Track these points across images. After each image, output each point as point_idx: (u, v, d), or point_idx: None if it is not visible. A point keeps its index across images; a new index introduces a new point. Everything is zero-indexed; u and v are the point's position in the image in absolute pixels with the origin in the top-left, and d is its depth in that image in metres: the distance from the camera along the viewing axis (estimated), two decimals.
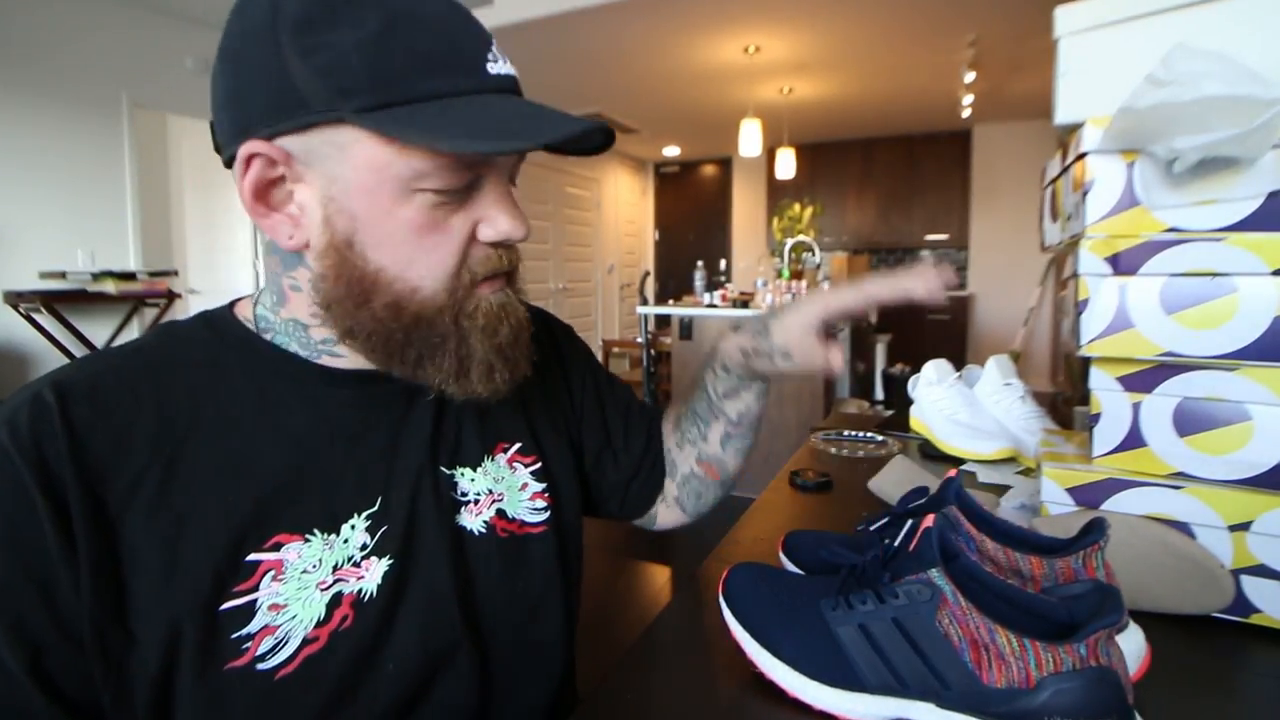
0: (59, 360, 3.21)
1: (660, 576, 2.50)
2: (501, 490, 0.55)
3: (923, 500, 0.58)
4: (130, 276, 3.42)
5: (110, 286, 3.30)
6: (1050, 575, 0.46)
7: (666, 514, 0.71)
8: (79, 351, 3.21)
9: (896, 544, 0.47)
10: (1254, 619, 0.54)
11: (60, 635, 0.38)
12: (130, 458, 0.41)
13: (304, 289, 0.46)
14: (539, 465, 0.58)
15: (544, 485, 0.58)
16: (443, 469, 0.52)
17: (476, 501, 0.53)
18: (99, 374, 0.43)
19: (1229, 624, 0.55)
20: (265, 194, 0.43)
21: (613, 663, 0.52)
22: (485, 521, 0.53)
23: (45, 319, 3.19)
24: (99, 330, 3.40)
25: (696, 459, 0.68)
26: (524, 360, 0.51)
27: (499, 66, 0.44)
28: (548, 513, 0.57)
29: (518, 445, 0.58)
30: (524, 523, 0.56)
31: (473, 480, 0.54)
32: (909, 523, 0.53)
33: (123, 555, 0.39)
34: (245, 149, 0.41)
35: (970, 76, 4.26)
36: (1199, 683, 0.50)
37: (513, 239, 0.47)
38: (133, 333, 3.56)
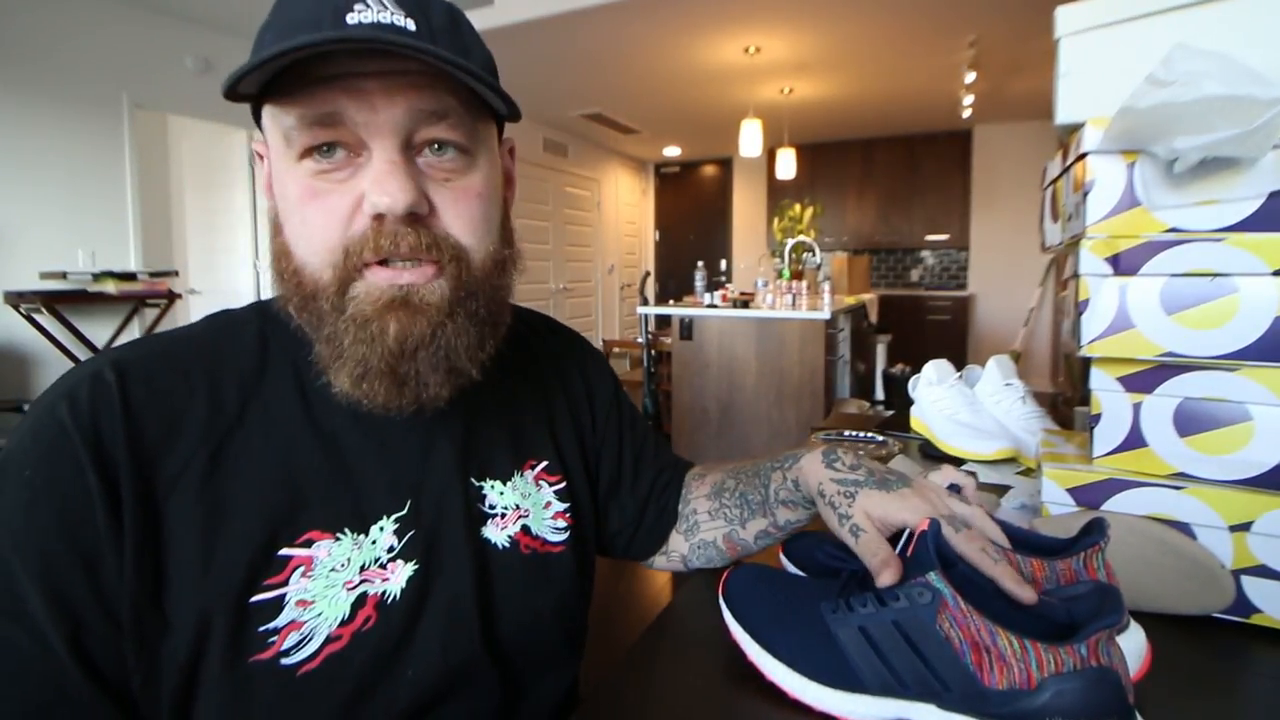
0: (60, 361, 3.21)
1: (660, 576, 2.50)
2: (528, 507, 0.55)
3: None
4: (131, 277, 3.42)
5: (111, 287, 3.30)
6: (1051, 577, 0.46)
7: (667, 564, 0.69)
8: (80, 352, 3.21)
9: (897, 548, 0.47)
10: (1254, 619, 0.54)
11: (101, 613, 0.38)
12: (180, 443, 0.41)
13: None
14: (563, 485, 0.58)
15: (566, 505, 0.58)
16: (472, 480, 0.52)
17: (503, 515, 0.53)
18: (157, 356, 0.44)
19: (1229, 624, 0.55)
20: (270, 188, 0.47)
21: (613, 663, 0.52)
22: (510, 536, 0.53)
23: (46, 319, 3.19)
24: (100, 331, 3.40)
25: (725, 536, 0.64)
26: (433, 375, 0.44)
27: (369, 14, 0.40)
28: (568, 533, 0.57)
29: (545, 463, 0.58)
30: (546, 541, 0.55)
31: (501, 494, 0.54)
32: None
33: (164, 539, 0.40)
34: (255, 148, 0.48)
35: (970, 77, 4.25)
36: (1199, 683, 0.50)
37: (378, 208, 0.41)
38: (134, 333, 3.56)
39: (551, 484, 0.58)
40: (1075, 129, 0.62)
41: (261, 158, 0.48)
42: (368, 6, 0.40)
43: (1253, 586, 0.54)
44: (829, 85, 4.84)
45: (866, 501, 0.51)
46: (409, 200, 0.41)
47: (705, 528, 0.66)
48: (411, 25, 0.40)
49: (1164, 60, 0.51)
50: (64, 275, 3.23)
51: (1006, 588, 0.42)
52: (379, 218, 0.42)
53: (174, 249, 4.75)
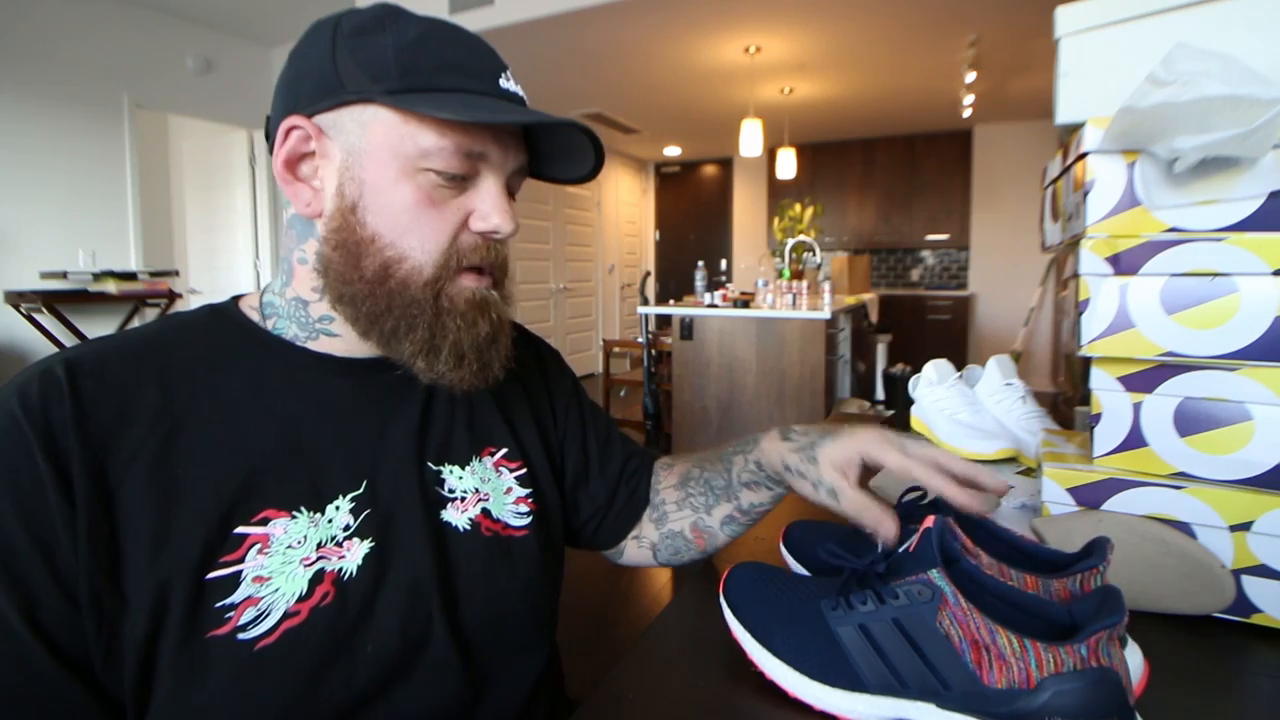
0: None
1: (660, 576, 2.50)
2: (487, 491, 0.56)
3: (922, 501, 0.58)
4: (131, 276, 3.43)
5: (111, 286, 3.31)
6: (1045, 595, 0.45)
7: (637, 553, 0.70)
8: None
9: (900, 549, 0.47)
10: (1254, 619, 0.54)
11: (59, 594, 0.40)
12: (131, 429, 0.43)
13: (310, 260, 0.51)
14: (524, 471, 0.60)
15: (528, 491, 0.59)
16: (430, 464, 0.54)
17: (463, 499, 0.55)
18: (106, 352, 0.46)
19: (1229, 624, 0.55)
20: (295, 165, 0.49)
21: (613, 663, 0.52)
22: (470, 519, 0.54)
23: (46, 319, 3.20)
24: (100, 330, 3.40)
25: (692, 525, 0.66)
26: (498, 362, 0.53)
27: (510, 85, 0.50)
28: (530, 517, 0.58)
29: (504, 450, 0.60)
30: (508, 525, 0.57)
31: (460, 478, 0.55)
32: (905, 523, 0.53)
33: (119, 521, 0.41)
34: (287, 122, 0.48)
35: (971, 76, 4.25)
36: (1199, 683, 0.50)
37: (500, 232, 0.51)
38: None
39: (511, 470, 0.59)
40: (1075, 129, 0.62)
41: (291, 131, 0.48)
42: (509, 80, 0.50)
43: (1253, 586, 0.54)
44: (829, 85, 4.84)
45: (827, 454, 0.55)
46: (516, 226, 0.52)
47: (673, 517, 0.68)
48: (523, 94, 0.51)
49: (1164, 60, 0.51)
50: (64, 275, 3.24)
51: (955, 501, 0.48)
52: (488, 234, 0.51)
53: (174, 249, 4.75)
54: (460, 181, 0.49)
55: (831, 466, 0.54)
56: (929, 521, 0.44)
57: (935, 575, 0.41)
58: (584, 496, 0.68)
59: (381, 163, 0.47)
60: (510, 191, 0.53)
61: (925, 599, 0.41)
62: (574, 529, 0.69)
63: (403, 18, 0.48)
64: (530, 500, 0.59)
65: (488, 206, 0.50)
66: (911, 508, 0.57)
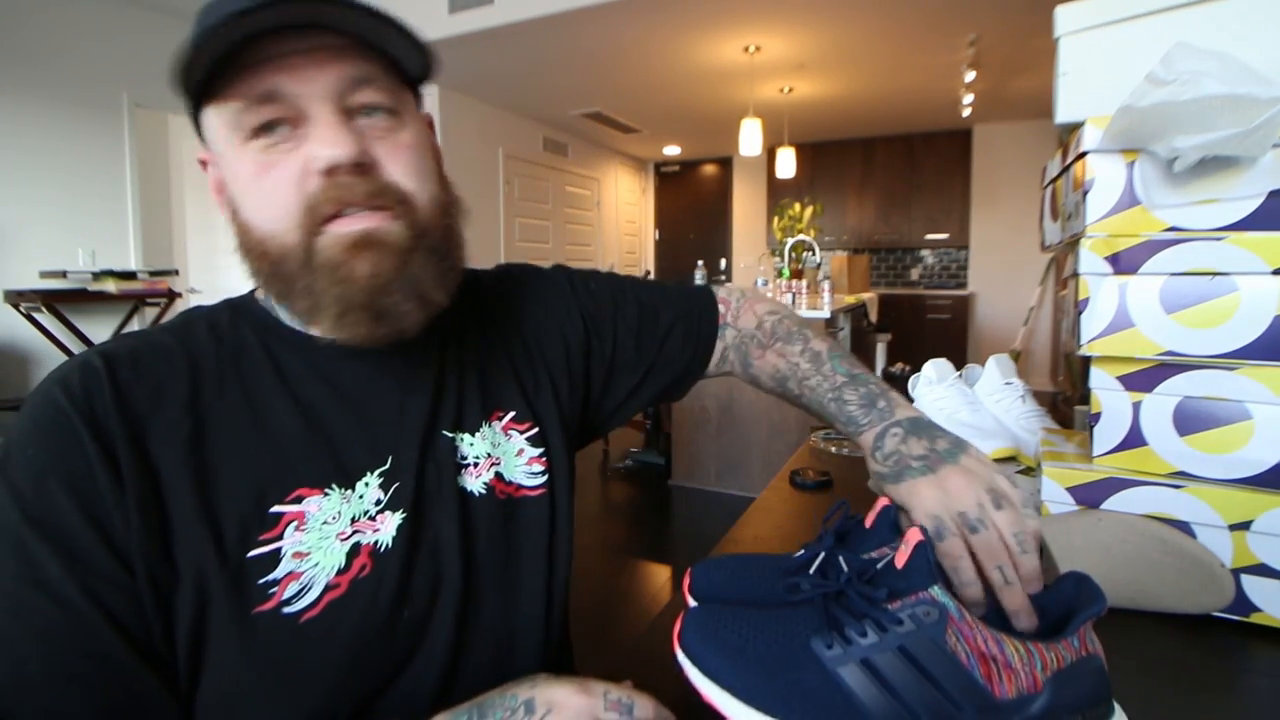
0: (60, 359, 3.20)
1: (660, 576, 2.50)
2: (499, 455, 0.58)
3: (849, 529, 0.52)
4: (131, 276, 3.43)
5: (111, 286, 3.31)
6: (1053, 663, 0.44)
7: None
8: (80, 351, 3.22)
9: (880, 567, 0.43)
10: (1254, 618, 0.54)
11: (120, 571, 0.41)
12: (166, 412, 0.45)
13: None
14: (535, 431, 0.61)
15: (540, 450, 0.60)
16: (445, 433, 0.55)
17: (476, 464, 0.56)
18: (138, 345, 0.48)
19: (1229, 623, 0.55)
20: (220, 190, 0.50)
21: (613, 662, 0.52)
22: (485, 483, 0.56)
23: (46, 318, 3.20)
24: (100, 329, 3.40)
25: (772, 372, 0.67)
26: (408, 302, 0.48)
27: None
28: (544, 476, 0.59)
29: (512, 413, 0.61)
30: (520, 485, 0.58)
31: (472, 445, 0.57)
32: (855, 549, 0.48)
33: (166, 495, 0.43)
34: (199, 156, 0.51)
35: (970, 76, 4.25)
36: (1199, 682, 0.50)
37: (329, 160, 0.44)
38: None
39: (522, 431, 0.60)
40: (1075, 128, 0.62)
41: (205, 164, 0.51)
42: None
43: (1252, 585, 0.54)
44: (829, 84, 4.84)
45: (911, 494, 0.49)
46: (353, 149, 0.45)
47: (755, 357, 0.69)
48: None
49: (1164, 59, 0.51)
50: (64, 274, 3.24)
51: (1010, 610, 0.43)
52: (330, 172, 0.45)
53: (174, 248, 4.75)
54: (290, 131, 0.45)
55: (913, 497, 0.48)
56: (916, 535, 0.41)
57: (937, 592, 0.39)
58: (661, 370, 0.70)
59: (223, 151, 0.47)
60: (354, 109, 0.47)
61: (932, 620, 0.38)
62: (676, 381, 0.71)
63: (196, 18, 0.44)
64: (543, 459, 0.60)
65: (314, 141, 0.45)
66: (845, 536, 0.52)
